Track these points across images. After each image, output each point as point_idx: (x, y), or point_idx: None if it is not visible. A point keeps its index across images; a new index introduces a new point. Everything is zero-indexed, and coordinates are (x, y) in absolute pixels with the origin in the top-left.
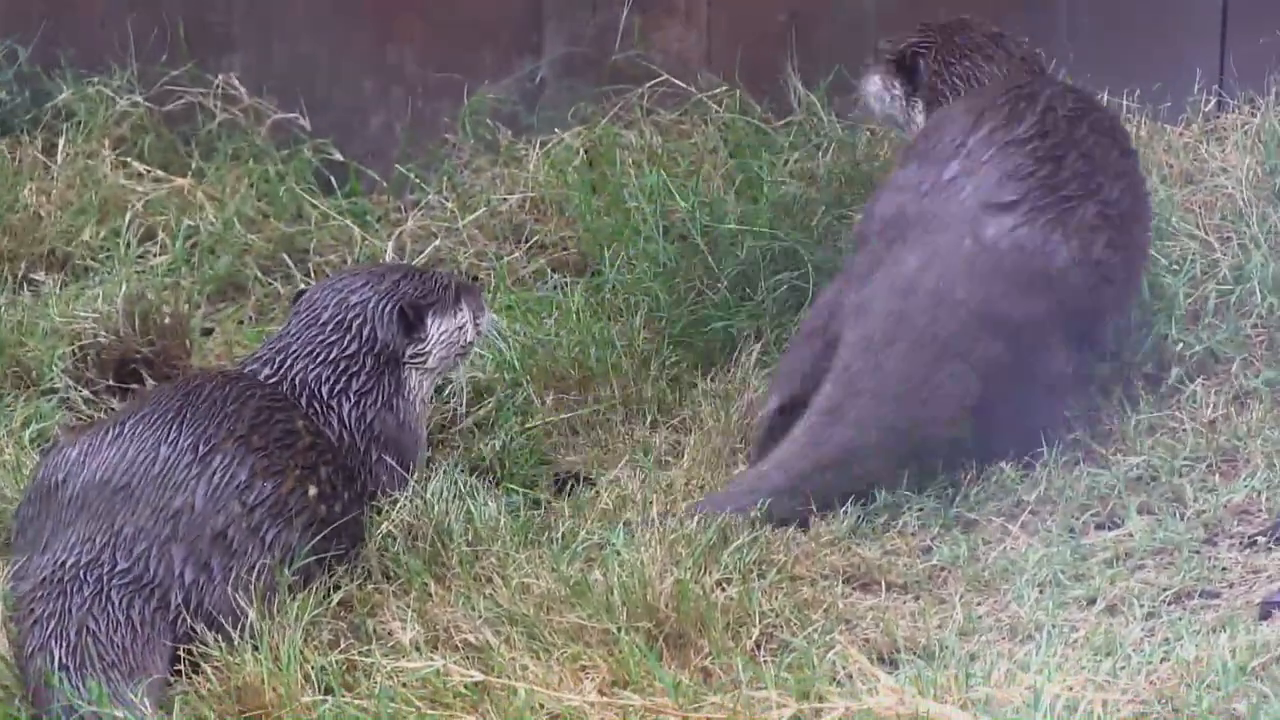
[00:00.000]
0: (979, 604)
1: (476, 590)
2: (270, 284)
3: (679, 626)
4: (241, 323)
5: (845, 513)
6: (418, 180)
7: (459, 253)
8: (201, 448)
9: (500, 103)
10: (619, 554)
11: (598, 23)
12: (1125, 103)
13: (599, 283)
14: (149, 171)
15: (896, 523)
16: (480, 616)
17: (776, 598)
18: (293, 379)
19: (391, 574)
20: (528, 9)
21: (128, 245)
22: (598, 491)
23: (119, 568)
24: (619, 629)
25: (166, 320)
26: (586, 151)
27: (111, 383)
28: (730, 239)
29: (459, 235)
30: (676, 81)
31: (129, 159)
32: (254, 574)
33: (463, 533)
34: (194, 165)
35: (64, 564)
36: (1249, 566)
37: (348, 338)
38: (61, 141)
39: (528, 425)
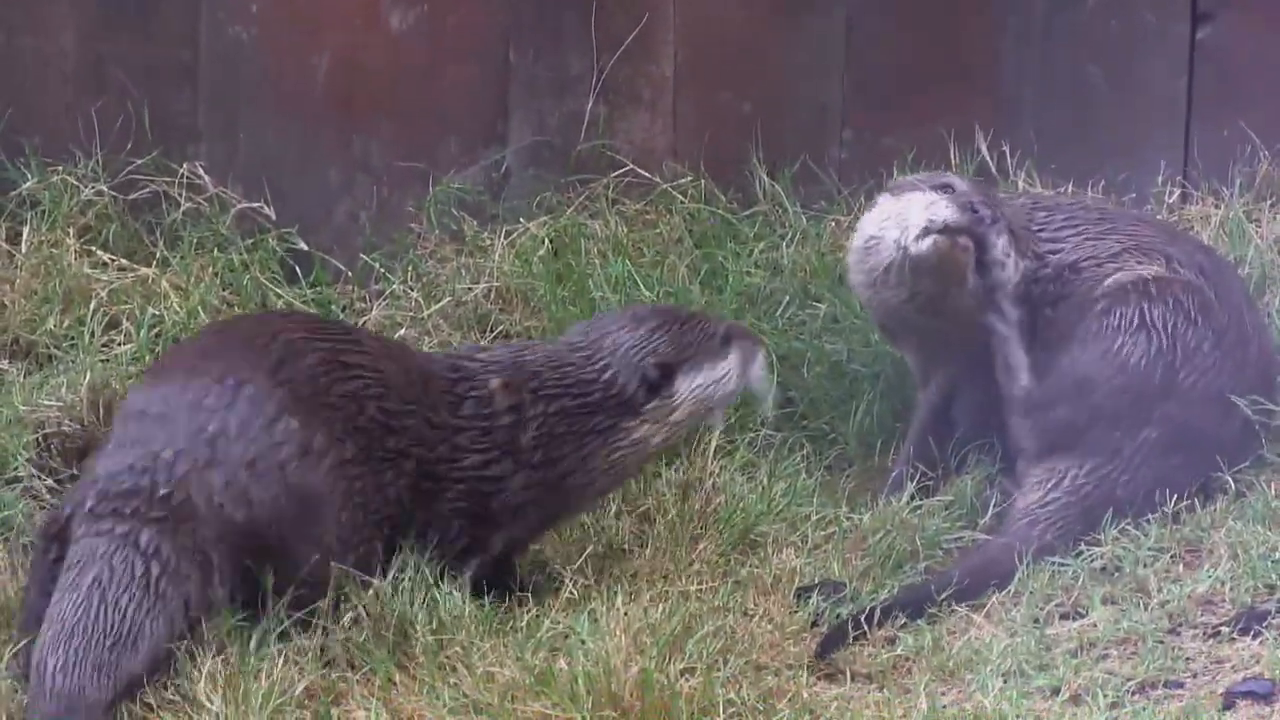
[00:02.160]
0: (943, 694)
1: (441, 679)
2: None
3: (644, 716)
4: None
5: (811, 600)
6: (382, 270)
7: (423, 343)
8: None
9: (465, 192)
10: (584, 642)
11: (563, 112)
12: (1090, 194)
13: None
14: (113, 260)
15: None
16: (445, 705)
17: (741, 687)
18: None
19: (356, 662)
20: (493, 99)
21: (92, 334)
22: (563, 580)
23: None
24: (584, 718)
25: None
26: (552, 241)
27: (75, 472)
28: None
29: (424, 325)
30: (642, 171)
31: (93, 248)
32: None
33: (427, 621)
34: (159, 254)
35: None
36: (1213, 657)
37: (589, 371)
38: (26, 230)
39: None
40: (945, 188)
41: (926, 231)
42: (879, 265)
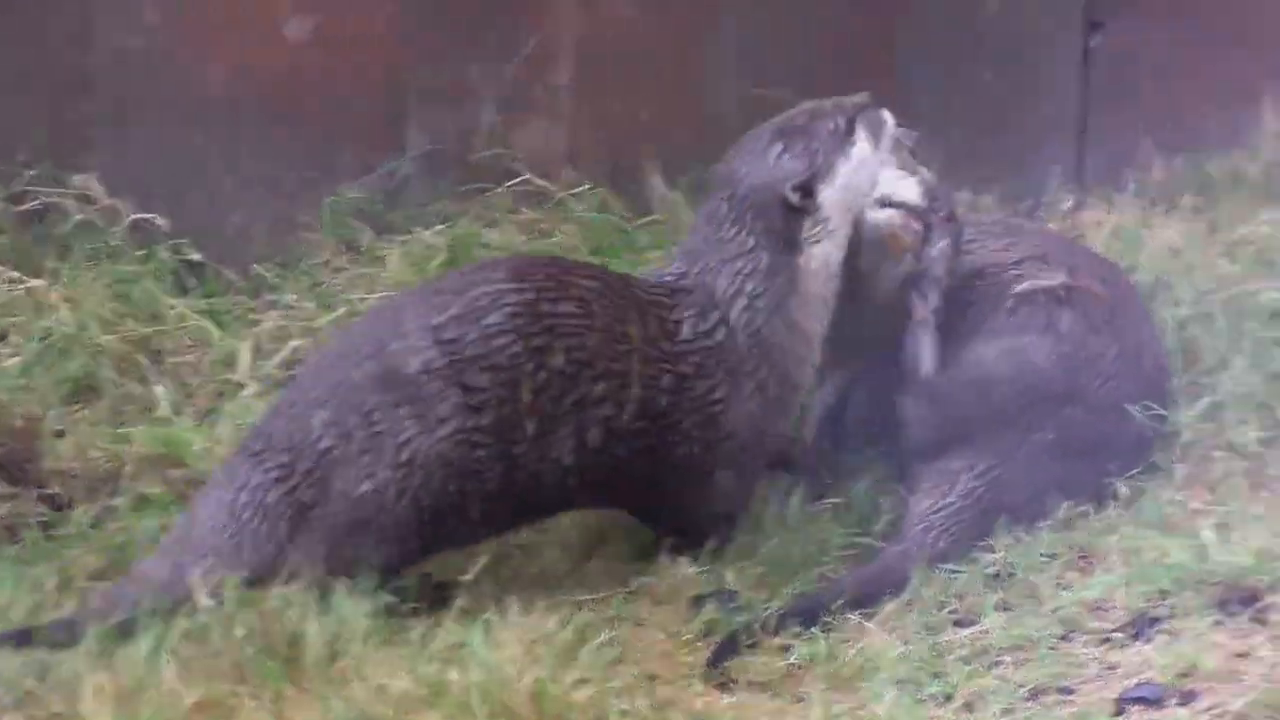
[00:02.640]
0: (837, 702)
1: (334, 691)
2: (124, 386)
3: None
4: (95, 424)
5: (704, 609)
6: (276, 280)
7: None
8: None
9: (361, 202)
10: (477, 653)
11: (459, 121)
12: (986, 200)
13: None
14: (2, 272)
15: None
16: (337, 718)
17: (635, 697)
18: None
19: (247, 675)
20: (389, 107)
21: None
22: (457, 591)
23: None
24: None
25: (18, 422)
26: (448, 250)
27: None
28: None
29: (318, 335)
30: (538, 180)
31: None
32: None
33: (319, 632)
34: (49, 266)
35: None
36: (1105, 663)
37: (745, 238)
38: None
39: None
40: (914, 173)
41: (887, 202)
42: None
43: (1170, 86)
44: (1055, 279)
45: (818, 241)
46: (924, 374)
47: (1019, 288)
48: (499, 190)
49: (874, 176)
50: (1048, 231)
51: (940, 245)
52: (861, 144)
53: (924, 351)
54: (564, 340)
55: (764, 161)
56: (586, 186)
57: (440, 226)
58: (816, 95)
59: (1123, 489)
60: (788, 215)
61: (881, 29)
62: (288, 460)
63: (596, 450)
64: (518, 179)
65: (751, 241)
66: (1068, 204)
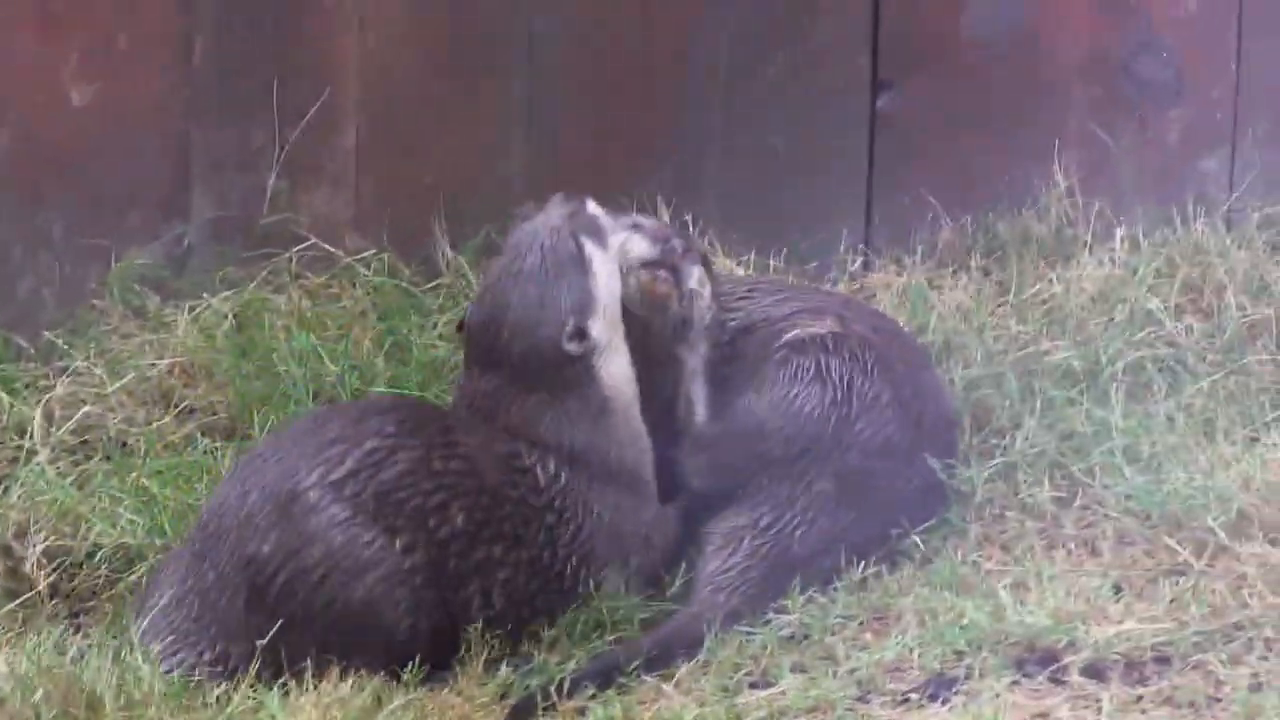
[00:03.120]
0: None
1: None
2: None
3: None
4: None
5: (500, 672)
6: (66, 346)
7: (108, 419)
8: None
9: (148, 268)
10: (274, 717)
11: (245, 185)
12: (772, 263)
13: (249, 447)
14: None
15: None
16: None
17: None
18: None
19: None
20: (174, 172)
21: None
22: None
23: None
24: None
25: None
26: (235, 316)
27: None
28: None
29: (108, 401)
30: (325, 245)
31: None
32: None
33: (115, 696)
34: None
35: None
36: None
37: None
38: None
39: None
40: (635, 226)
41: (627, 270)
42: None
43: (960, 146)
44: (824, 327)
45: (606, 362)
46: (697, 423)
47: (788, 336)
48: (286, 256)
49: (614, 272)
50: (824, 289)
51: (695, 273)
52: (596, 255)
53: (696, 399)
54: (460, 500)
55: (525, 318)
56: (373, 251)
57: (227, 293)
58: (604, 161)
59: (916, 548)
60: (573, 359)
61: (666, 89)
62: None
63: (501, 609)
64: (304, 244)
65: (547, 395)
66: (855, 264)
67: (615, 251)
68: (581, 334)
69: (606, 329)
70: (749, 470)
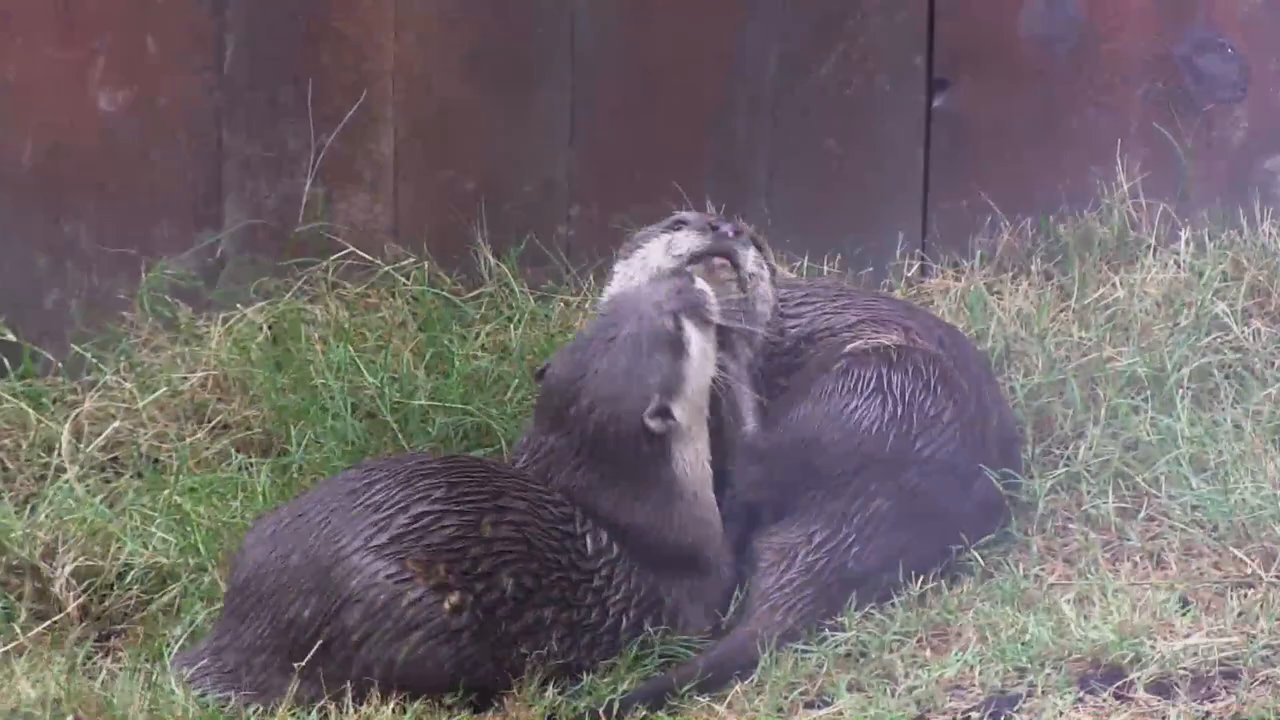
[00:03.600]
0: None
1: None
2: None
3: None
4: None
5: (548, 695)
6: (95, 360)
7: (139, 435)
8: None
9: (179, 278)
10: None
11: (280, 193)
12: (826, 269)
13: (286, 463)
14: None
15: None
16: None
17: None
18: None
19: None
20: (206, 180)
21: None
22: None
23: None
24: None
25: None
26: (270, 327)
27: None
28: (421, 416)
29: (139, 417)
30: (362, 254)
31: None
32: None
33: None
34: None
35: None
36: None
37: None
38: None
39: (214, 611)
40: (677, 224)
41: (678, 268)
42: None
43: (1018, 147)
44: (888, 339)
45: (683, 447)
46: (747, 432)
47: (849, 347)
48: (322, 265)
49: (708, 357)
50: (884, 295)
51: (750, 256)
52: (694, 338)
53: (743, 406)
54: (509, 567)
55: (610, 386)
56: (412, 260)
57: (262, 303)
58: (650, 166)
59: (977, 562)
60: (650, 437)
61: (716, 92)
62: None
63: (553, 666)
64: (341, 252)
65: (612, 469)
66: (912, 270)
67: (710, 340)
68: (665, 413)
69: (690, 414)
70: (803, 484)
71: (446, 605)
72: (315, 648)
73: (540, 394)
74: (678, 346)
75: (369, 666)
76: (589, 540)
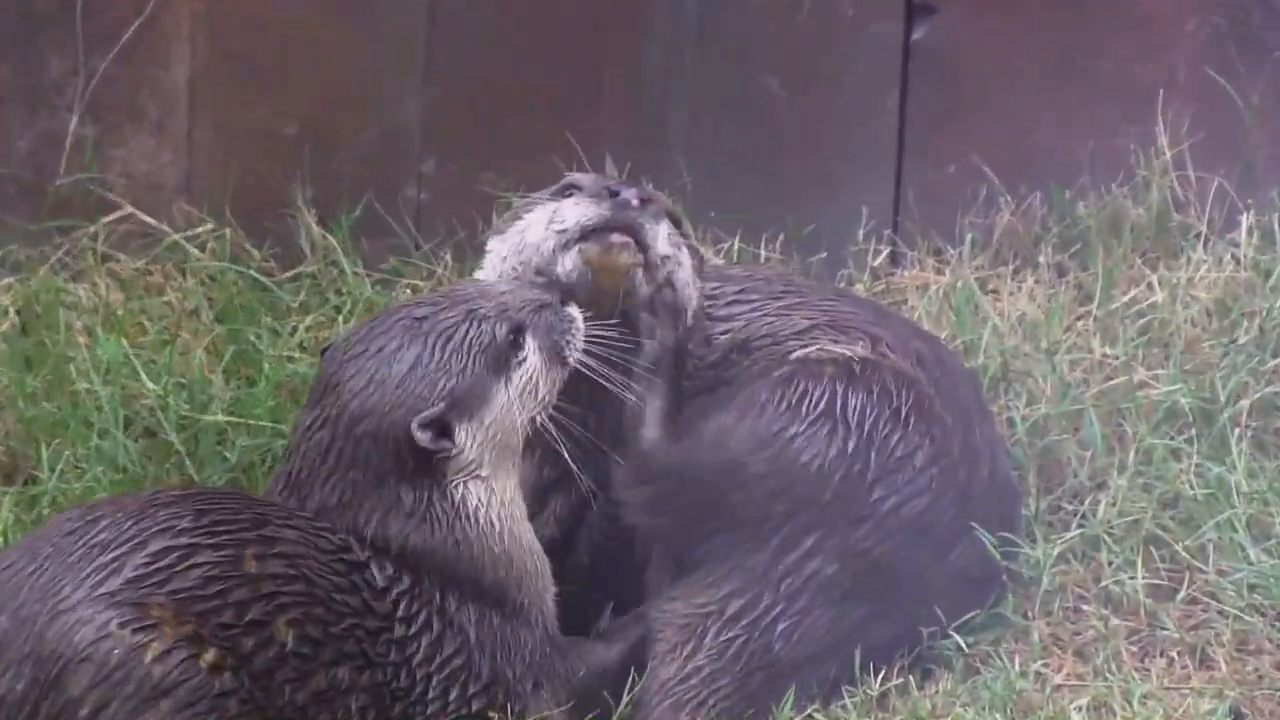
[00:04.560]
0: None
1: None
2: None
3: None
4: None
5: None
6: None
7: None
8: None
9: None
10: None
11: (35, 133)
12: (764, 252)
13: (35, 494)
14: None
15: None
16: None
17: None
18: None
19: None
20: None
21: None
22: None
23: None
24: None
25: None
26: (19, 312)
27: None
28: (217, 435)
29: None
30: (144, 216)
31: None
32: None
33: None
34: None
35: None
36: None
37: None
38: None
39: None
40: (567, 190)
41: (564, 246)
42: None
43: (1024, 96)
44: (848, 349)
45: (469, 488)
46: (642, 438)
47: (797, 354)
48: (89, 230)
49: (535, 394)
50: (845, 292)
51: (662, 232)
52: (530, 364)
53: (646, 410)
54: (285, 613)
55: (387, 375)
56: (210, 226)
57: (8, 279)
58: (526, 114)
59: (957, 651)
60: (415, 453)
61: (624, 17)
62: None
63: None
64: (115, 214)
65: (376, 481)
66: (879, 259)
67: (551, 380)
68: (443, 430)
69: (485, 450)
70: (711, 523)
71: (203, 663)
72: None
73: (313, 381)
74: (501, 363)
75: None
76: (375, 570)
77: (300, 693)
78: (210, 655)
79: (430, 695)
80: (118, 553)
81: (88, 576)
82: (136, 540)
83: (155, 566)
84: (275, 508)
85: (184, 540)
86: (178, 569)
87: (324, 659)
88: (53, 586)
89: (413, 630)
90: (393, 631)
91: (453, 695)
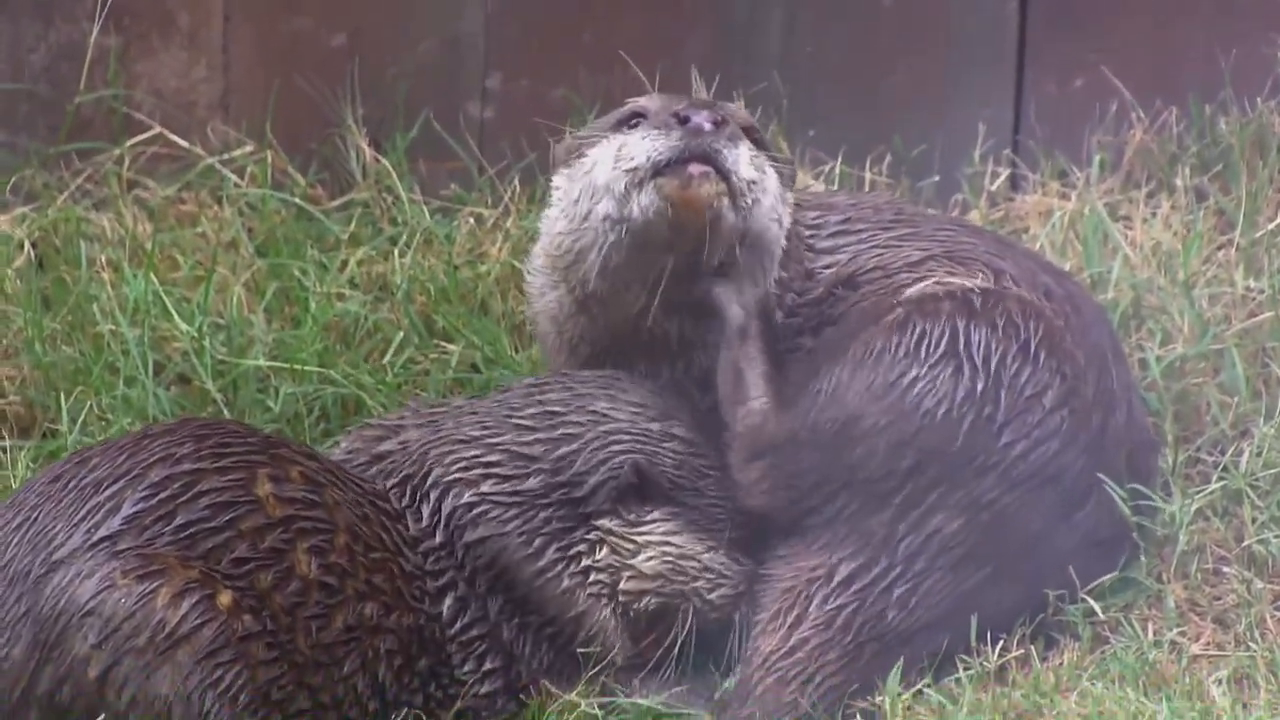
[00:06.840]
0: None
1: None
2: None
3: None
4: None
5: None
6: None
7: None
8: None
9: None
10: None
11: (50, 45)
12: (869, 175)
13: (54, 449)
14: None
15: None
16: None
17: None
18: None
19: None
20: None
21: None
22: None
23: None
24: None
25: None
26: (35, 246)
27: None
28: (259, 382)
29: None
30: (176, 139)
31: None
32: None
33: None
34: None
35: None
36: None
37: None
38: None
39: None
40: (632, 119)
41: (637, 185)
42: (590, 266)
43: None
44: (968, 282)
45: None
46: (750, 412)
47: (910, 292)
48: (114, 153)
49: None
50: (961, 221)
51: (743, 155)
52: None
53: (747, 379)
54: (306, 539)
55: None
56: (249, 149)
57: (23, 209)
58: (600, 21)
59: (1087, 619)
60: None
61: None
62: None
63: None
64: (143, 134)
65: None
66: (997, 182)
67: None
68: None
69: None
70: (827, 487)
71: (219, 605)
72: (38, 701)
73: None
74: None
75: (121, 714)
76: (409, 517)
77: (326, 630)
78: (226, 596)
79: (454, 658)
80: (114, 489)
81: (82, 520)
82: (134, 473)
83: (158, 498)
84: (291, 441)
85: (186, 467)
86: (182, 499)
87: (350, 591)
88: (43, 537)
89: (441, 583)
90: (424, 582)
91: (467, 667)
